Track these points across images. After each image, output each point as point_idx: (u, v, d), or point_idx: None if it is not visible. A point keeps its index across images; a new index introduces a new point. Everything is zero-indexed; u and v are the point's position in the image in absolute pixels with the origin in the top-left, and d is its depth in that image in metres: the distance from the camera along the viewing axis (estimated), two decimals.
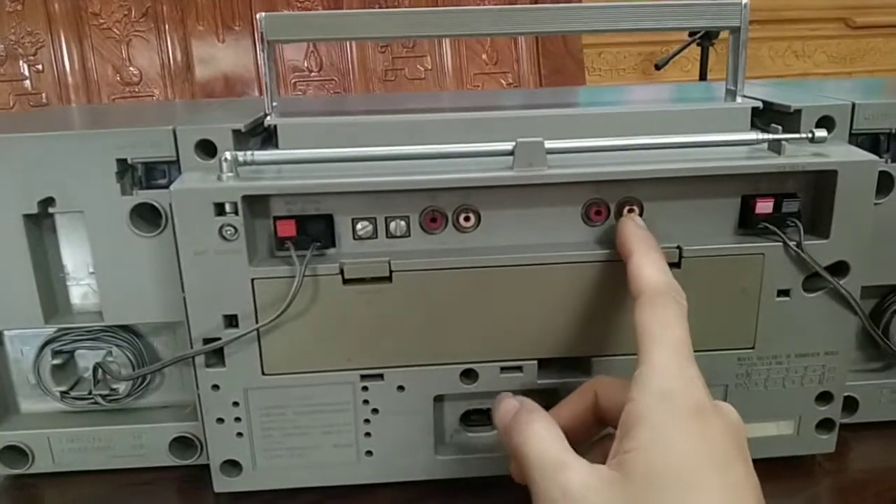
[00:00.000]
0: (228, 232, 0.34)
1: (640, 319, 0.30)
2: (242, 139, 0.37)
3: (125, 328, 0.40)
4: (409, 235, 0.37)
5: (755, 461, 0.40)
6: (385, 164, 0.35)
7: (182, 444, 0.41)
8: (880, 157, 0.38)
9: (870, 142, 0.39)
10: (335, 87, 1.17)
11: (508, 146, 0.35)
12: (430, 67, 1.21)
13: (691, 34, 1.56)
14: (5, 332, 0.40)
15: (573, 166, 0.35)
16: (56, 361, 0.40)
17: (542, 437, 0.30)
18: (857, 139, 0.38)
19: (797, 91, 0.44)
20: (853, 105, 0.38)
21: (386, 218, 0.36)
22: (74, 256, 0.39)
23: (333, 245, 0.36)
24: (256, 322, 0.35)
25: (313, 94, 1.16)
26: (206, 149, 0.36)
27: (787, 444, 0.40)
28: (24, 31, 1.04)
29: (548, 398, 0.35)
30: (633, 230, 0.35)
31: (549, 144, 0.35)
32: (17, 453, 0.40)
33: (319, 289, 0.35)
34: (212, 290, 0.35)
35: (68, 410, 0.41)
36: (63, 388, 0.40)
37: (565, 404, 0.34)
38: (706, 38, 1.56)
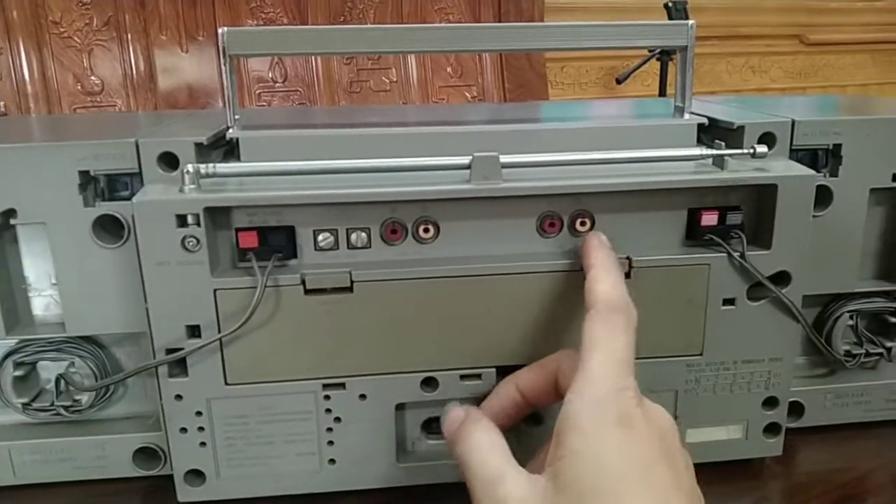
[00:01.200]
0: (191, 243, 0.35)
1: (587, 329, 0.32)
2: (205, 152, 0.38)
3: (88, 339, 0.40)
4: (370, 247, 0.37)
5: (706, 464, 0.42)
6: (346, 177, 0.36)
7: (146, 454, 0.41)
8: (819, 171, 0.40)
9: (809, 157, 0.41)
10: (300, 99, 1.18)
11: (465, 160, 0.36)
12: (395, 80, 1.22)
13: (651, 50, 1.59)
14: None
15: (528, 180, 0.36)
16: (18, 373, 0.40)
17: (483, 449, 0.31)
18: (797, 154, 0.40)
19: (742, 108, 0.46)
20: (793, 122, 0.40)
21: (347, 229, 0.37)
22: (36, 267, 0.40)
23: (295, 256, 0.37)
24: (219, 332, 0.36)
25: (278, 104, 1.17)
26: (169, 161, 0.37)
27: (736, 448, 0.42)
28: None
29: None
30: (596, 246, 0.36)
31: (504, 159, 0.36)
32: None
33: (281, 299, 0.36)
34: (174, 300, 0.36)
35: (30, 422, 0.41)
36: (25, 400, 0.40)
37: (527, 372, 0.36)
38: (665, 54, 1.60)
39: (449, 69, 1.23)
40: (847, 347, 0.44)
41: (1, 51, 1.02)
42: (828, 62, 2.08)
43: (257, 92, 1.14)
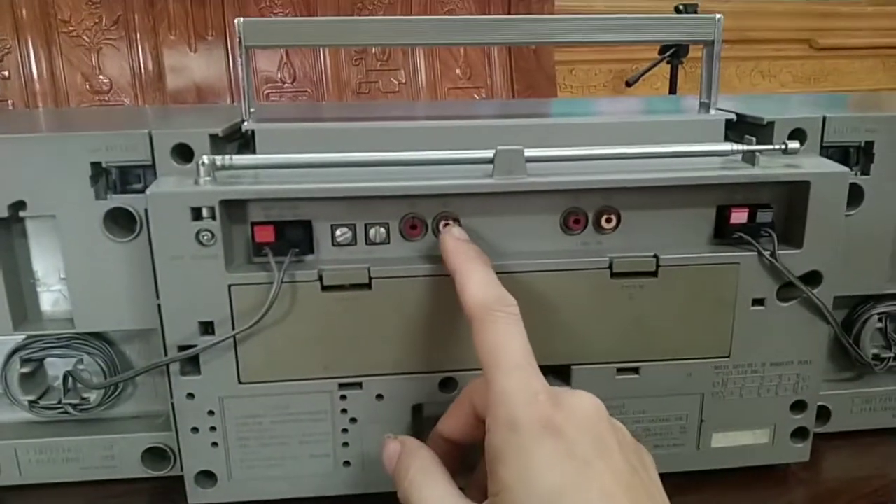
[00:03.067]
0: (205, 237, 0.34)
1: (476, 343, 0.30)
2: (219, 144, 0.37)
3: (97, 335, 0.39)
4: (389, 242, 0.36)
5: (730, 470, 0.40)
6: (365, 171, 0.35)
7: (155, 454, 0.40)
8: (850, 169, 0.39)
9: (840, 154, 0.40)
10: (309, 99, 1.17)
11: (489, 154, 0.35)
12: (404, 81, 1.21)
13: (661, 52, 1.58)
14: None
15: (552, 174, 0.35)
16: (25, 370, 0.39)
17: (422, 486, 0.29)
18: (827, 151, 0.39)
19: (768, 104, 0.45)
20: (824, 118, 0.38)
21: (365, 224, 0.36)
22: (45, 261, 0.39)
23: (312, 251, 0.36)
24: (233, 329, 0.35)
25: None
26: (183, 153, 0.36)
27: (762, 453, 0.40)
28: None
29: None
30: (453, 246, 0.34)
31: (528, 153, 0.35)
32: None
33: (298, 295, 0.35)
34: (188, 296, 0.34)
35: (36, 420, 0.40)
36: (32, 398, 0.39)
37: (447, 417, 0.34)
38: (676, 56, 1.59)
39: (458, 70, 1.22)
40: (875, 351, 0.43)
41: (10, 49, 1.01)
42: (837, 67, 2.08)
43: (266, 92, 1.14)
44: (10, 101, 1.03)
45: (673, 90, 1.62)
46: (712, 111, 0.41)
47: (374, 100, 1.18)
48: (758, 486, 0.41)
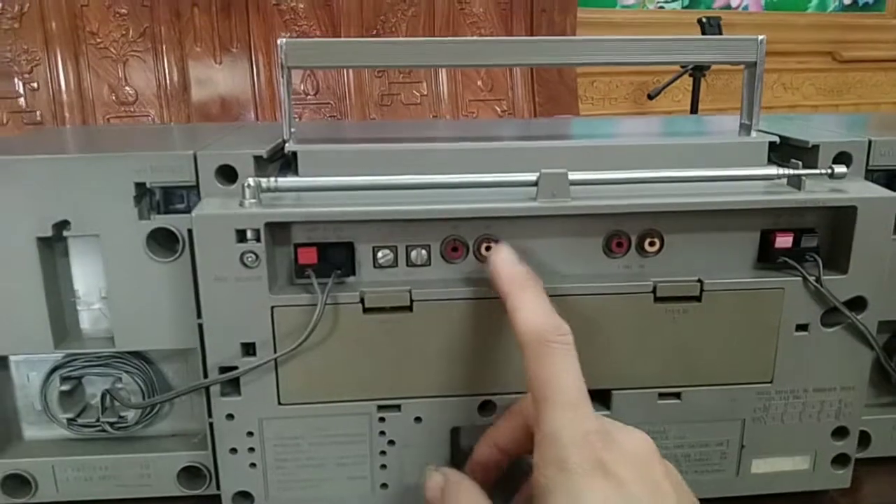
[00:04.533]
0: (250, 259, 0.34)
1: (527, 372, 0.29)
2: (262, 165, 0.37)
3: (136, 354, 0.39)
4: (430, 264, 0.36)
5: (769, 496, 0.40)
6: (407, 193, 0.35)
7: (191, 473, 0.40)
8: None
9: (885, 178, 0.39)
10: (331, 111, 1.18)
11: (532, 177, 0.35)
12: (425, 93, 1.22)
13: (684, 65, 1.58)
14: (11, 357, 0.39)
15: (595, 198, 0.35)
16: (64, 388, 0.39)
17: None
18: (872, 175, 0.39)
19: (807, 125, 0.44)
20: (870, 142, 0.38)
21: (407, 246, 0.36)
22: (86, 280, 0.39)
23: (353, 273, 0.36)
24: (274, 350, 0.35)
25: (309, 116, 1.17)
26: (227, 174, 0.36)
27: (802, 479, 0.40)
28: (20, 48, 1.04)
29: None
30: (503, 269, 0.33)
31: (572, 176, 0.35)
32: (19, 482, 0.39)
33: (339, 317, 0.35)
34: (230, 317, 0.35)
35: (73, 438, 0.40)
36: (70, 415, 0.39)
37: (500, 426, 0.34)
38: (698, 70, 1.58)
39: (479, 83, 1.22)
40: None
41: (39, 61, 1.03)
42: (861, 79, 2.06)
43: None
44: (37, 112, 1.04)
45: (695, 103, 1.62)
46: (753, 133, 0.41)
47: (397, 111, 1.19)
48: None
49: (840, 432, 0.39)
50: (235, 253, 0.34)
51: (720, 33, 1.54)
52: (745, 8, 1.91)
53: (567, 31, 1.27)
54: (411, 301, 0.35)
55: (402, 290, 0.35)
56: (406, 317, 0.35)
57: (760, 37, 0.40)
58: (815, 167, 0.37)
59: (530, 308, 0.31)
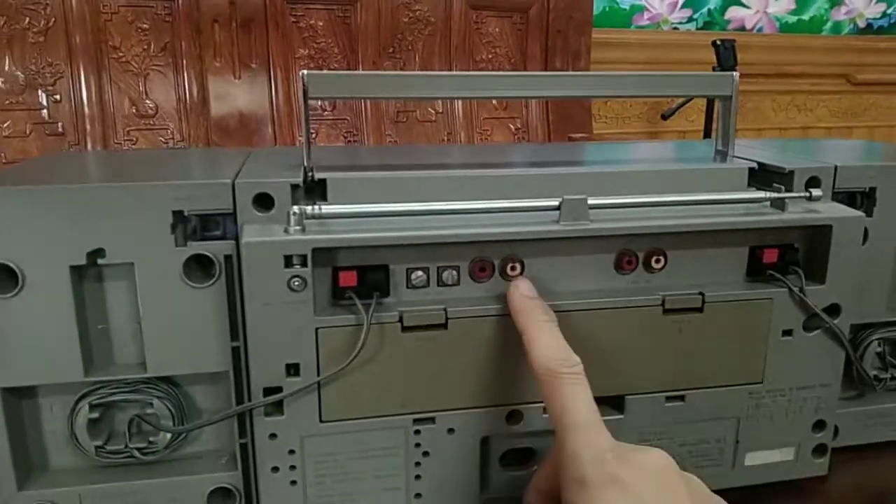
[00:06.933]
0: (296, 283, 0.35)
1: (545, 401, 0.33)
2: (297, 191, 0.38)
3: (164, 379, 0.40)
4: (459, 284, 0.39)
5: (760, 486, 0.44)
6: (437, 217, 0.38)
7: (221, 494, 0.41)
8: None
9: (847, 198, 0.45)
10: (347, 127, 1.19)
11: (555, 202, 0.38)
12: (440, 111, 1.24)
13: None
14: (39, 385, 0.39)
15: (610, 220, 0.39)
16: (93, 415, 0.39)
17: None
18: (837, 196, 0.44)
19: (781, 152, 0.49)
20: (836, 167, 0.43)
21: (438, 267, 0.38)
22: (118, 306, 0.39)
23: (388, 294, 0.38)
24: (318, 369, 0.37)
25: (325, 133, 1.18)
26: (263, 202, 0.37)
27: (787, 469, 0.44)
28: (44, 61, 1.05)
29: None
30: (520, 304, 0.36)
31: (590, 201, 0.38)
32: None
33: (379, 336, 0.37)
34: (275, 339, 0.36)
35: (100, 464, 0.40)
36: (98, 443, 0.39)
37: (540, 472, 0.37)
38: None
39: (494, 101, 1.25)
40: (875, 372, 0.48)
41: (62, 74, 1.04)
42: (875, 102, 2.04)
43: None
44: (59, 123, 1.05)
45: (708, 123, 1.64)
46: (729, 159, 0.45)
47: (411, 129, 1.21)
48: (782, 499, 0.45)
49: (819, 425, 0.44)
50: (283, 278, 0.35)
51: (735, 56, 1.54)
52: (760, 29, 1.91)
53: (582, 51, 1.28)
54: (446, 319, 0.37)
55: (438, 308, 0.37)
56: (441, 333, 0.38)
57: (734, 74, 0.45)
58: (792, 190, 0.42)
59: (544, 344, 0.34)
